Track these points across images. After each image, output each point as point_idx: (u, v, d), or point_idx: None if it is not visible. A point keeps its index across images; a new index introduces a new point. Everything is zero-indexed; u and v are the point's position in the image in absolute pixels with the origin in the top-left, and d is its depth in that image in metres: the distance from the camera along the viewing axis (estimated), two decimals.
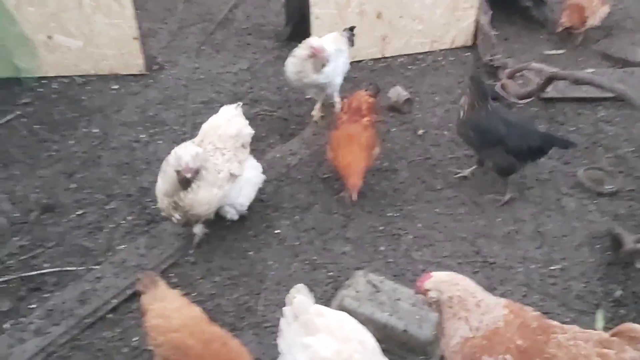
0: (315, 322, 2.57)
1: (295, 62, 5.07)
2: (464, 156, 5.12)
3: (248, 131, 4.32)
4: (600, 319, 3.75)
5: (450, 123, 5.38)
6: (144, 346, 3.51)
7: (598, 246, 4.25)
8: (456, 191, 4.82)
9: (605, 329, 3.68)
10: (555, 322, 2.84)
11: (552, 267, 4.10)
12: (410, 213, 4.60)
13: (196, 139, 4.17)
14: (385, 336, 3.52)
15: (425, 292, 2.90)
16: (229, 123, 4.24)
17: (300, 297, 2.61)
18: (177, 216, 3.93)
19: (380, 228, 4.47)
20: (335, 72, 5.24)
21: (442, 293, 2.86)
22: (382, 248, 4.30)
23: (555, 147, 4.54)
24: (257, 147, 5.23)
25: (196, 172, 3.72)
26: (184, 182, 3.72)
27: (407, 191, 4.82)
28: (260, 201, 4.60)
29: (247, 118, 4.44)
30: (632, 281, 3.98)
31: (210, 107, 5.75)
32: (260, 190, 4.73)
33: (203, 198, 3.89)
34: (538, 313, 2.89)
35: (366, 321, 3.53)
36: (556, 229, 4.41)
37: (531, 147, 4.39)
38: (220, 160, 4.05)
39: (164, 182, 3.88)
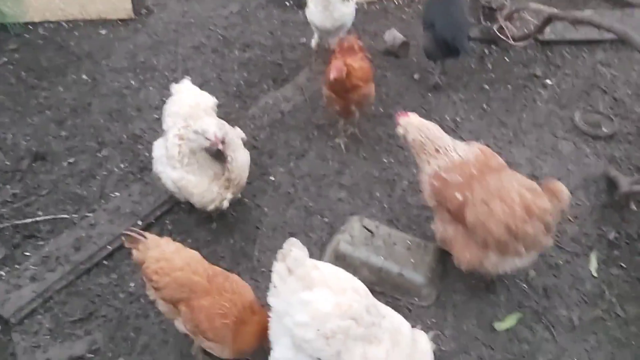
0: (313, 275, 2.53)
1: None
2: (459, 101, 5.06)
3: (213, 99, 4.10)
4: (593, 260, 3.78)
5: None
6: (140, 291, 3.53)
7: (593, 189, 4.25)
8: (453, 136, 4.72)
9: (599, 270, 3.75)
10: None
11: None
12: (406, 159, 4.55)
13: (179, 126, 3.74)
14: (381, 279, 3.56)
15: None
16: (201, 95, 4.03)
17: (296, 250, 2.54)
18: (229, 196, 3.72)
19: (376, 174, 4.45)
20: (354, 9, 5.20)
21: (408, 133, 3.48)
22: (377, 194, 4.29)
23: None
24: (250, 94, 5.16)
25: (223, 141, 3.52)
26: (219, 154, 3.58)
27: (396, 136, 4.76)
28: (254, 148, 4.55)
29: (240, 63, 4.32)
30: (626, 223, 3.99)
31: (201, 53, 5.63)
32: (254, 137, 4.70)
33: (243, 161, 3.76)
34: (502, 162, 3.42)
35: (362, 265, 3.58)
36: (552, 172, 4.38)
37: (445, 42, 4.73)
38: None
39: (201, 173, 3.62)
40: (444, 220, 3.44)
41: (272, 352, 2.71)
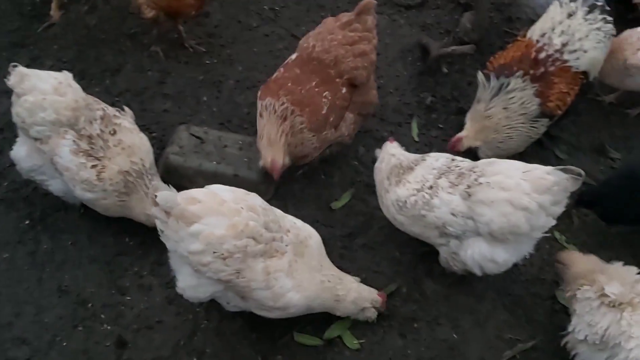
0: (191, 210, 2.44)
1: None
2: None
3: None
4: (414, 127, 4.03)
5: None
6: None
7: (410, 59, 4.44)
8: (273, 26, 4.69)
9: (420, 135, 4.01)
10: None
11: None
12: (229, 57, 4.44)
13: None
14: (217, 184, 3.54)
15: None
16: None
17: (162, 193, 2.41)
18: None
19: (200, 78, 4.30)
20: None
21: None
22: (204, 98, 4.17)
23: None
24: (42, 11, 4.60)
25: None
26: None
27: (224, 34, 4.60)
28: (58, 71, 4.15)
29: None
30: (440, 86, 4.26)
31: None
32: (60, 59, 4.30)
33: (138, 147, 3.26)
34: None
35: (195, 174, 3.53)
36: None
37: None
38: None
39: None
40: None
41: (177, 282, 2.72)
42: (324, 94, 3.32)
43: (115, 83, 4.21)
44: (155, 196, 2.41)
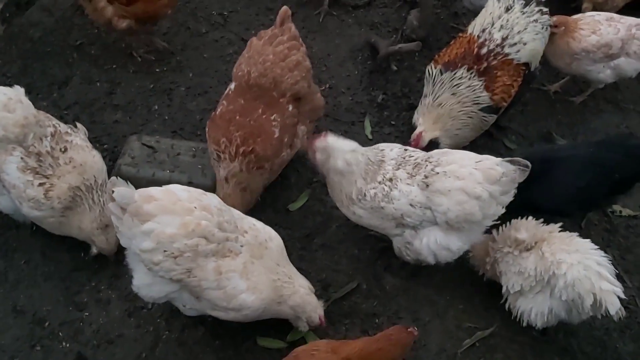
0: (145, 208, 2.43)
1: None
2: None
3: None
4: (367, 125, 4.08)
5: None
6: None
7: (360, 58, 4.49)
8: (222, 32, 4.67)
9: (373, 132, 4.06)
10: None
11: (322, 88, 4.27)
12: (179, 64, 4.41)
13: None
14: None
15: None
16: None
17: (119, 189, 2.40)
18: None
19: (150, 86, 4.26)
20: None
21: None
22: (155, 107, 4.13)
23: None
24: None
25: None
26: None
27: (173, 41, 4.56)
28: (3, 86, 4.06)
29: None
30: (390, 84, 4.31)
31: None
32: (4, 73, 4.20)
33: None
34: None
35: (149, 184, 3.43)
36: (321, 49, 4.54)
37: None
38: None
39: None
40: None
41: (132, 280, 2.73)
42: (273, 118, 3.27)
43: (63, 96, 4.14)
44: (113, 191, 2.40)
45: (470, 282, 3.34)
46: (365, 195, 2.96)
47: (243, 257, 2.66)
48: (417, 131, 3.60)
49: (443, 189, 2.83)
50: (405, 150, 3.07)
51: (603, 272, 2.75)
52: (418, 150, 3.10)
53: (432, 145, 3.56)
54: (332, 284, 3.28)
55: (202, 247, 2.52)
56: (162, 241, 2.45)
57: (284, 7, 3.36)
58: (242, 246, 2.67)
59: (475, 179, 2.80)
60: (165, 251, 2.47)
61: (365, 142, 3.98)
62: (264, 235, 2.82)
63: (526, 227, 3.00)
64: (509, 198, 2.85)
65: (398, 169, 2.96)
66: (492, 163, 2.82)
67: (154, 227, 2.44)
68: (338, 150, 2.94)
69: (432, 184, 2.86)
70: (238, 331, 3.03)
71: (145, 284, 2.68)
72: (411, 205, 2.90)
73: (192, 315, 2.94)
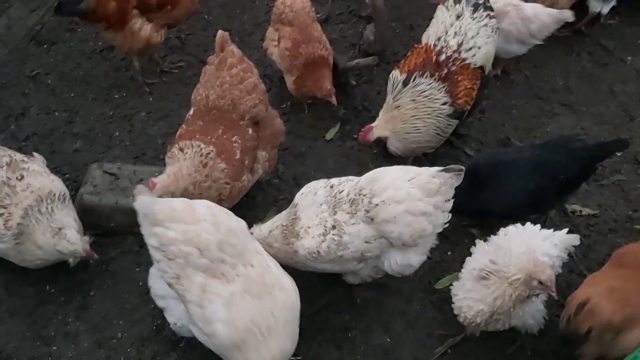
0: (158, 217, 2.58)
1: None
2: None
3: None
4: (331, 133, 4.14)
5: None
6: None
7: None
8: (181, 54, 4.67)
9: (337, 147, 4.10)
10: None
11: (282, 106, 4.32)
12: (139, 89, 4.39)
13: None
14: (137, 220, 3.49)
15: None
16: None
17: (141, 197, 2.59)
18: None
19: (110, 113, 4.23)
20: None
21: None
22: (116, 133, 4.11)
23: None
24: None
25: None
26: None
27: (130, 68, 4.54)
28: None
29: None
30: (351, 98, 4.37)
31: None
32: None
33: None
34: None
35: (113, 212, 3.47)
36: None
37: None
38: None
39: None
40: None
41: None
42: (234, 139, 3.24)
43: (21, 127, 4.08)
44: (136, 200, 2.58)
45: (438, 290, 3.39)
46: (319, 252, 2.92)
47: (234, 287, 2.58)
48: (370, 124, 3.72)
49: (388, 217, 2.81)
50: (332, 187, 2.99)
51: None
52: (343, 181, 3.02)
53: (380, 142, 3.77)
54: (303, 300, 3.27)
55: (193, 258, 2.55)
56: (164, 242, 2.57)
57: (220, 32, 3.26)
58: (238, 275, 2.61)
59: (415, 197, 2.78)
60: (164, 252, 2.58)
61: (330, 156, 4.03)
62: (274, 280, 2.69)
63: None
64: (451, 202, 2.86)
65: (335, 213, 2.91)
66: (427, 176, 2.80)
67: (162, 230, 2.58)
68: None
69: (376, 217, 2.83)
70: (211, 356, 2.99)
71: (155, 273, 2.90)
72: (366, 242, 2.88)
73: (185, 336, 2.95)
